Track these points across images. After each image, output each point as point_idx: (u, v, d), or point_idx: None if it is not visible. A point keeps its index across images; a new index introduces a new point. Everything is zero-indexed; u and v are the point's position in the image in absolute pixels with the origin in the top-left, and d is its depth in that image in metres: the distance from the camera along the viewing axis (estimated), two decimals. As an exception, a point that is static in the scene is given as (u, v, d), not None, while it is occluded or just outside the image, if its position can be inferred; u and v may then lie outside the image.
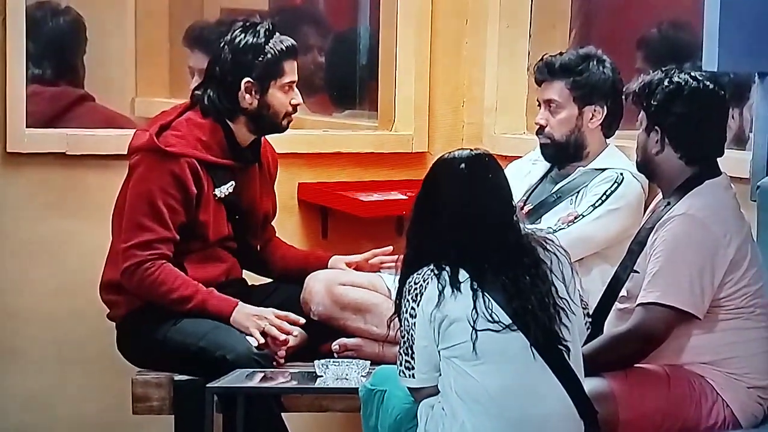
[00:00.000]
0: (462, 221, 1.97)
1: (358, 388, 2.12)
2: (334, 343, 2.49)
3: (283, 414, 2.43)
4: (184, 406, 2.36)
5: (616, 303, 2.21)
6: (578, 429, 1.97)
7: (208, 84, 2.47)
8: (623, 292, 2.21)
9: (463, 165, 1.99)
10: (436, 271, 1.95)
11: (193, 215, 2.42)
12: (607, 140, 2.60)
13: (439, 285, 1.94)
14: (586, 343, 2.06)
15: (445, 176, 2.00)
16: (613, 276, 2.25)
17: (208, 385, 2.25)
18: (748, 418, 2.14)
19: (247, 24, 2.46)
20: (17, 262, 2.73)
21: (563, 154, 2.57)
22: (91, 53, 2.97)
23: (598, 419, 1.99)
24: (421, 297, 1.96)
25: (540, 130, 2.57)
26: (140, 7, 3.33)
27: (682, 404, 2.11)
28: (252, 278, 2.61)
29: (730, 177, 2.22)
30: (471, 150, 2.01)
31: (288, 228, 2.83)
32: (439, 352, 1.96)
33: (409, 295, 1.98)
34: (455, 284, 1.94)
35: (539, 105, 2.58)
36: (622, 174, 2.51)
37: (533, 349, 1.94)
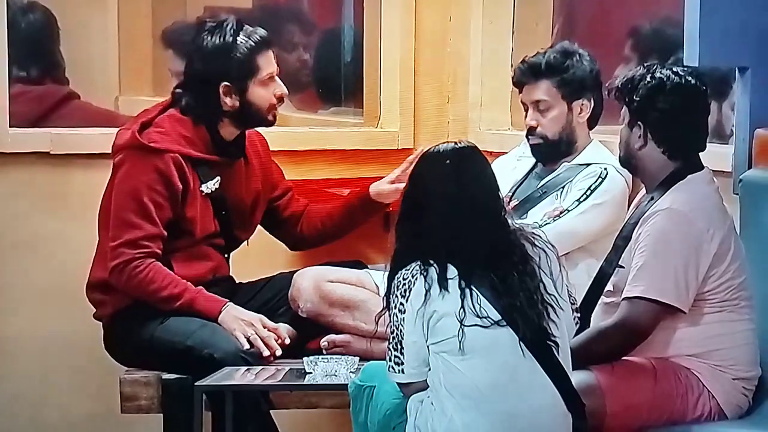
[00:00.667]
0: (449, 216, 1.97)
1: (347, 384, 2.13)
2: (322, 340, 2.49)
3: (272, 411, 2.43)
4: (173, 404, 2.36)
5: (602, 297, 2.23)
6: (566, 422, 1.99)
7: (187, 89, 2.45)
8: (609, 287, 2.22)
9: (448, 159, 1.99)
10: (423, 269, 1.96)
11: (179, 211, 2.40)
12: (590, 134, 2.61)
13: (426, 284, 1.95)
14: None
15: (430, 171, 2.00)
16: (598, 271, 2.26)
17: (196, 384, 2.25)
18: (733, 410, 2.16)
19: (213, 24, 2.41)
20: (1, 262, 2.72)
21: (556, 151, 2.58)
22: (73, 52, 2.96)
23: (585, 412, 2.00)
24: (409, 293, 1.97)
25: (531, 131, 2.58)
26: (123, 5, 3.31)
27: (669, 396, 2.13)
28: (239, 276, 2.61)
29: (712, 171, 2.23)
30: (456, 143, 2.01)
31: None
32: (428, 347, 1.97)
33: (397, 290, 1.98)
34: (443, 282, 1.95)
35: (524, 106, 2.59)
36: (606, 169, 2.53)
37: (522, 344, 1.95)
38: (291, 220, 2.59)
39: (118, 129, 2.48)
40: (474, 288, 1.95)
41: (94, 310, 2.50)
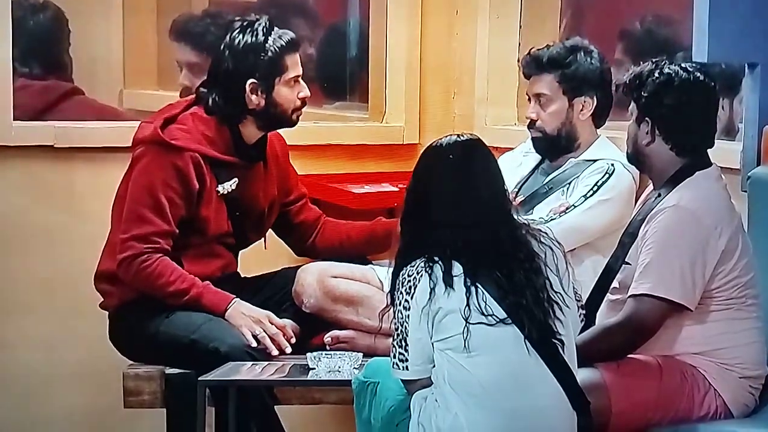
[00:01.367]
0: (453, 212, 1.96)
1: (350, 380, 2.12)
2: (326, 336, 2.48)
3: (275, 406, 2.42)
4: (176, 399, 2.36)
5: (607, 294, 2.21)
6: (571, 420, 1.98)
7: (212, 87, 2.45)
8: (615, 284, 2.21)
9: (451, 153, 1.97)
10: (428, 266, 1.94)
11: (194, 210, 2.41)
12: (597, 131, 2.60)
13: (431, 281, 1.94)
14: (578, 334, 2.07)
15: (434, 165, 1.98)
16: (604, 267, 2.25)
17: (200, 378, 2.24)
18: (739, 408, 2.15)
19: (245, 23, 2.43)
20: (5, 256, 2.71)
21: (555, 146, 2.57)
22: (77, 46, 2.95)
23: (590, 410, 1.99)
24: (414, 289, 1.95)
25: (531, 124, 2.57)
26: (128, -2, 3.31)
27: (675, 395, 2.12)
28: (243, 271, 2.60)
29: (721, 168, 2.22)
30: (460, 136, 1.99)
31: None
32: (432, 344, 1.96)
33: (402, 287, 1.97)
34: (448, 279, 1.93)
35: (529, 99, 2.57)
36: (613, 165, 2.51)
37: (527, 342, 1.93)
38: (301, 228, 2.59)
39: (140, 122, 2.47)
40: (479, 285, 1.94)
41: (99, 303, 2.49)
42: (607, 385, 2.10)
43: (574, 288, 2.04)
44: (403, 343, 1.97)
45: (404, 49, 2.92)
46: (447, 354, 1.94)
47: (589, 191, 2.50)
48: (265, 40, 2.41)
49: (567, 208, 2.49)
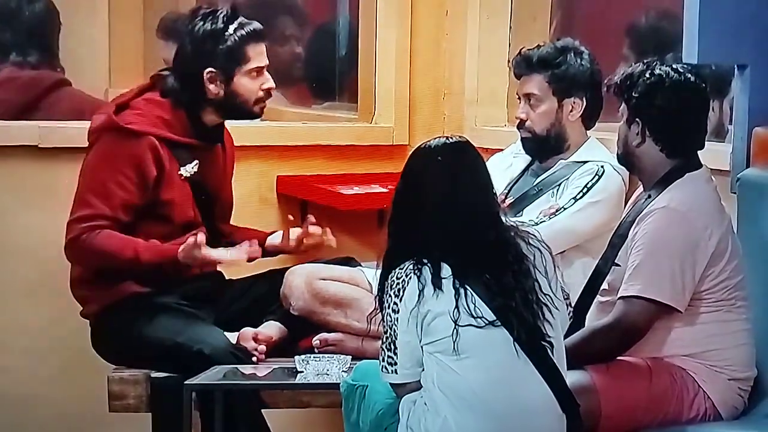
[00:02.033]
0: (441, 214, 1.95)
1: (339, 383, 2.11)
2: (314, 338, 2.47)
3: (263, 410, 2.40)
4: (162, 403, 2.34)
5: (597, 296, 2.21)
6: (561, 423, 1.97)
7: (173, 73, 2.42)
8: (604, 285, 2.20)
9: (440, 155, 1.96)
10: (417, 268, 1.93)
11: (152, 196, 2.37)
12: (587, 132, 2.59)
13: (420, 284, 1.93)
14: (567, 335, 2.06)
15: (422, 167, 1.97)
16: (594, 269, 2.25)
17: (186, 382, 2.22)
18: (729, 410, 2.14)
19: (207, 11, 2.39)
20: (-11, 257, 2.70)
21: (544, 147, 2.56)
22: (63, 43, 2.93)
23: (580, 413, 1.98)
24: (403, 292, 1.94)
25: (521, 124, 2.56)
26: (113, -3, 3.29)
27: (664, 397, 2.11)
28: (230, 272, 2.58)
29: (710, 169, 2.21)
30: (448, 138, 1.99)
31: (267, 222, 2.80)
32: (421, 347, 1.94)
33: (391, 290, 1.96)
34: (437, 282, 1.92)
35: (519, 99, 2.56)
36: (603, 166, 2.51)
37: (516, 345, 1.93)
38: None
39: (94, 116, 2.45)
40: (468, 287, 1.93)
41: (79, 311, 2.48)
42: (597, 388, 2.09)
43: (562, 288, 2.03)
44: (392, 346, 1.96)
45: (394, 49, 2.91)
46: (436, 357, 1.93)
47: (578, 193, 2.49)
48: (225, 29, 2.37)
49: (557, 210, 2.49)
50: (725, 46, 2.28)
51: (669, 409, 2.11)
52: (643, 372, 2.12)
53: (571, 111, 2.54)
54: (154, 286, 2.40)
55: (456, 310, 1.91)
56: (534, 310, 1.94)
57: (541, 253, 1.99)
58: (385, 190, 2.78)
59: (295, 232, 2.46)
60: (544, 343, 1.95)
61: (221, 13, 2.38)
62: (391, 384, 1.99)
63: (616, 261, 2.17)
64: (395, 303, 1.95)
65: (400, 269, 1.96)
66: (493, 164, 2.49)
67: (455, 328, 1.91)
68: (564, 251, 2.47)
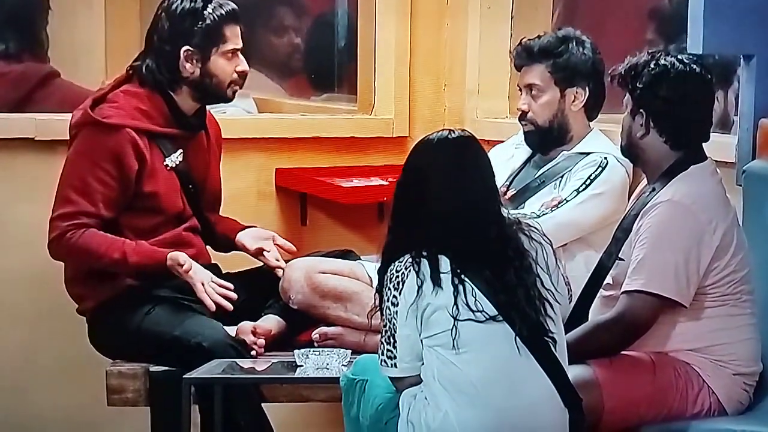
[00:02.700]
0: (443, 208, 1.93)
1: (339, 377, 2.09)
2: (314, 332, 2.45)
3: (262, 404, 2.38)
4: (160, 397, 2.32)
5: (600, 290, 2.19)
6: (563, 418, 1.95)
7: (147, 54, 2.40)
8: (608, 280, 2.18)
9: (443, 149, 1.94)
10: (416, 262, 1.91)
11: (135, 188, 2.35)
12: (590, 123, 2.57)
13: (419, 279, 1.91)
14: (569, 330, 2.04)
15: (424, 160, 1.95)
16: (597, 263, 2.23)
17: (185, 376, 2.20)
18: (734, 405, 2.13)
19: None
20: (-14, 251, 2.68)
21: (547, 139, 2.53)
22: (59, 34, 2.90)
23: (582, 407, 1.96)
24: (403, 285, 1.93)
25: (522, 116, 2.54)
26: (110, -13, 3.26)
27: (668, 392, 2.10)
28: (227, 266, 2.55)
29: (715, 161, 2.19)
30: (451, 131, 1.97)
31: (266, 215, 2.78)
32: (421, 340, 1.93)
33: (390, 283, 1.94)
34: (435, 276, 1.91)
35: (520, 90, 2.54)
36: (606, 158, 2.48)
37: (518, 340, 1.91)
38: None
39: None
40: (468, 282, 1.91)
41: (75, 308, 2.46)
42: (600, 382, 2.07)
43: (565, 280, 2.01)
44: (392, 340, 1.94)
45: (393, 40, 2.88)
46: (436, 351, 1.91)
47: (581, 185, 2.47)
48: (204, 7, 2.36)
49: (559, 203, 2.46)
50: (731, 36, 2.25)
51: (673, 404, 2.10)
52: (647, 366, 2.10)
53: (574, 101, 2.51)
54: (148, 279, 2.38)
55: (455, 305, 1.90)
56: (536, 306, 1.93)
57: (542, 247, 1.97)
58: (384, 182, 2.76)
59: (273, 255, 2.44)
60: (546, 338, 1.93)
61: None
62: (390, 378, 1.97)
63: (619, 255, 2.15)
64: (395, 296, 1.93)
65: (399, 262, 1.94)
66: (494, 156, 2.47)
67: (455, 322, 1.89)
68: (566, 244, 2.44)
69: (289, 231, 2.80)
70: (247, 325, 2.38)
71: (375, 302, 1.96)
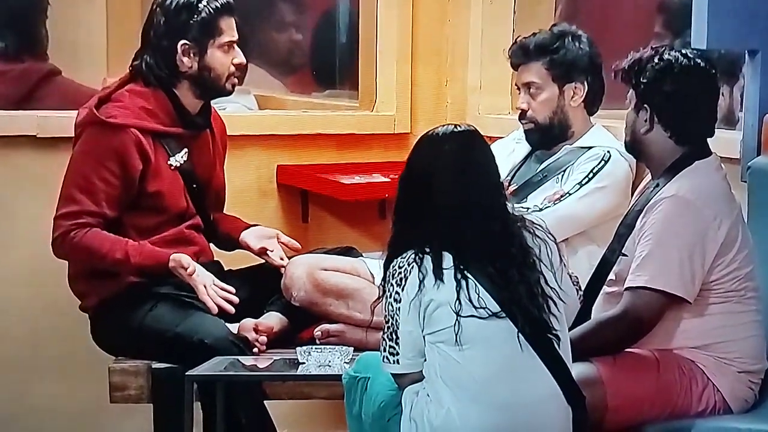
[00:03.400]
0: (446, 204, 1.92)
1: (341, 375, 2.08)
2: (316, 329, 2.44)
3: (264, 401, 2.38)
4: (163, 394, 2.32)
5: (604, 286, 2.18)
6: (566, 415, 1.94)
7: (145, 51, 2.40)
8: (611, 276, 2.17)
9: (447, 144, 1.93)
10: (418, 258, 1.90)
11: (138, 189, 2.36)
12: (591, 118, 2.55)
13: (421, 274, 1.90)
14: (572, 327, 2.02)
15: (428, 156, 1.94)
16: (601, 259, 2.21)
17: (187, 373, 2.20)
18: (739, 403, 2.11)
19: None
20: (-12, 249, 2.67)
21: (548, 137, 2.52)
22: (60, 30, 2.90)
23: (586, 405, 1.95)
24: (405, 281, 1.92)
25: (522, 115, 2.53)
26: (112, -18, 3.25)
27: (672, 389, 2.09)
28: (229, 263, 2.54)
29: (720, 157, 2.18)
30: (456, 126, 1.95)
31: (267, 212, 2.78)
32: (424, 337, 1.92)
33: (393, 279, 1.93)
34: (438, 272, 1.90)
35: (518, 89, 2.53)
36: (609, 152, 2.47)
37: (521, 337, 1.90)
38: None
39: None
40: (471, 278, 1.90)
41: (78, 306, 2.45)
42: (603, 380, 2.06)
43: (572, 279, 1.99)
44: (394, 336, 1.93)
45: (395, 36, 2.87)
46: (439, 347, 1.90)
47: (584, 178, 2.46)
48: (198, 1, 2.36)
49: (561, 196, 2.45)
50: (735, 31, 2.24)
51: (677, 402, 2.08)
52: (651, 364, 2.09)
53: (573, 96, 2.50)
54: (150, 276, 2.37)
55: (458, 300, 1.89)
56: (539, 303, 1.91)
57: (546, 244, 1.96)
58: (386, 179, 2.76)
59: (277, 254, 2.43)
60: (549, 336, 1.92)
61: None
62: (392, 374, 1.97)
63: (623, 251, 2.14)
64: (397, 292, 1.92)
65: (401, 258, 1.93)
66: (495, 151, 2.44)
67: (457, 318, 1.88)
68: (568, 238, 2.43)
69: (291, 228, 2.79)
70: (249, 322, 2.38)
71: (379, 294, 1.95)
